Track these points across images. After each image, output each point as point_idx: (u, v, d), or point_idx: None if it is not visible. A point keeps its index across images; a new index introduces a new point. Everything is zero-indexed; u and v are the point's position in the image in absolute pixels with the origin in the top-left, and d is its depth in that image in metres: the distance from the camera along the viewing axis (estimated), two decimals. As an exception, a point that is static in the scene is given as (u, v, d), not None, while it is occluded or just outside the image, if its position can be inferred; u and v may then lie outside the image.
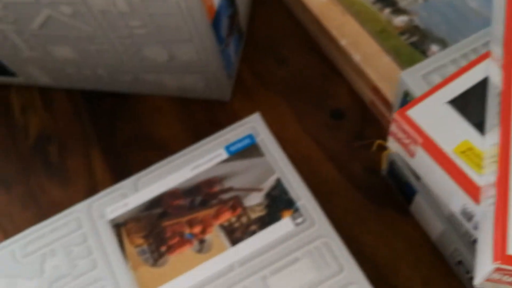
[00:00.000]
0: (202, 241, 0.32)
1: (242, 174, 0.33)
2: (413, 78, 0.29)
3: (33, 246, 0.33)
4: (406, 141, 0.26)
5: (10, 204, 0.43)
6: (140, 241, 0.32)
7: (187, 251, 0.32)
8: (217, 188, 0.33)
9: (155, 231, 0.33)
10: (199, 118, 0.44)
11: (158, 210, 0.33)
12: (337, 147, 0.41)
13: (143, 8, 0.35)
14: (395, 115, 0.26)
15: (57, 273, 0.32)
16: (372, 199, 0.39)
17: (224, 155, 0.34)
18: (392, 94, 0.38)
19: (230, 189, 0.33)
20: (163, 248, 0.32)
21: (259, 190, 0.33)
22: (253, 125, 0.34)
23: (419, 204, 0.36)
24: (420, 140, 0.25)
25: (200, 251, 0.32)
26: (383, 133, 0.41)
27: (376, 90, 0.39)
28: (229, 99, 0.44)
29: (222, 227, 0.32)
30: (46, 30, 0.39)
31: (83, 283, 0.32)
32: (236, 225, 0.32)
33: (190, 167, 0.34)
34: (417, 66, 0.29)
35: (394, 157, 0.36)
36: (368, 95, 0.41)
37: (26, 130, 0.46)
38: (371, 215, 0.39)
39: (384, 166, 0.31)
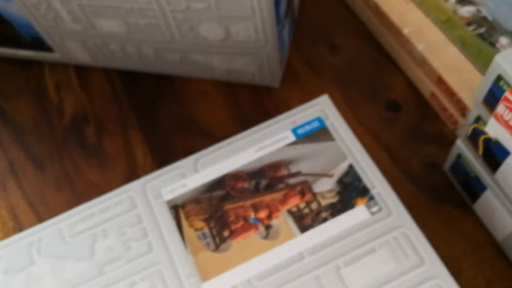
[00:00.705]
0: (268, 227, 0.30)
1: (311, 159, 0.31)
2: (509, 61, 0.27)
3: (82, 225, 0.31)
4: (516, 123, 0.24)
5: (43, 184, 0.40)
6: (200, 224, 0.30)
7: (252, 236, 0.30)
8: (284, 172, 0.31)
9: (217, 214, 0.30)
10: (246, 105, 0.42)
11: (219, 192, 0.31)
12: (393, 140, 0.39)
13: (210, -23, 0.33)
14: (508, 94, 0.24)
15: (109, 255, 0.30)
16: (430, 195, 0.37)
17: (291, 138, 0.32)
18: (458, 86, 0.36)
19: (298, 174, 0.31)
20: (226, 233, 0.30)
21: (329, 175, 0.31)
22: (322, 108, 0.32)
23: (488, 201, 0.34)
24: (536, 121, 0.23)
25: (266, 237, 0.29)
26: (443, 127, 0.39)
27: (440, 81, 0.37)
28: (278, 87, 0.42)
29: (290, 212, 0.30)
30: (96, 1, 0.37)
31: (137, 267, 0.29)
32: (306, 211, 0.30)
33: (254, 148, 0.32)
34: (512, 50, 0.28)
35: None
36: (428, 87, 0.39)
37: (61, 109, 0.44)
38: (429, 212, 0.37)
39: (481, 152, 0.29)
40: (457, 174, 0.36)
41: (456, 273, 0.35)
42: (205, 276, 0.29)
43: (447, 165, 0.37)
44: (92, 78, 0.45)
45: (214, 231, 0.30)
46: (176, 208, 0.31)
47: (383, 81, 0.42)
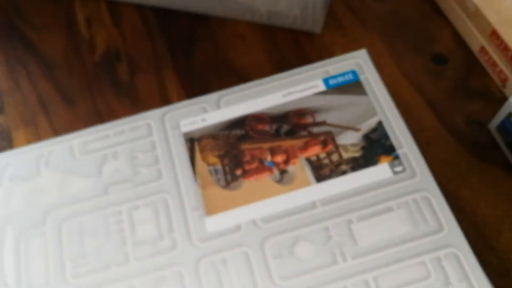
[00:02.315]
0: (283, 172, 0.28)
1: (339, 110, 0.30)
2: None
3: (94, 145, 0.30)
4: None
5: (74, 121, 0.40)
6: (214, 160, 0.29)
7: (265, 179, 0.28)
8: (308, 119, 0.30)
9: (232, 153, 0.29)
10: (285, 49, 0.41)
11: (239, 131, 0.30)
12: (438, 94, 0.38)
13: None
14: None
15: (116, 176, 0.29)
16: (474, 153, 0.36)
17: (322, 87, 0.30)
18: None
19: (323, 123, 0.29)
20: (239, 172, 0.28)
21: (356, 129, 0.29)
22: (358, 62, 0.31)
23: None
24: None
25: (280, 181, 0.28)
26: (489, 83, 0.38)
27: (494, 35, 0.36)
28: (319, 32, 0.41)
29: (309, 161, 0.28)
30: None
31: (143, 192, 0.28)
32: (325, 161, 0.28)
33: (281, 93, 0.30)
34: None
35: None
36: (478, 40, 0.37)
37: (93, 45, 0.43)
38: (472, 170, 0.35)
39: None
40: (505, 133, 0.34)
41: (495, 233, 0.33)
42: (210, 210, 0.27)
43: (494, 123, 0.35)
44: (125, 14, 0.44)
45: (227, 169, 0.29)
46: (192, 141, 0.30)
47: (429, 32, 0.40)
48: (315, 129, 0.29)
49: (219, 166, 0.29)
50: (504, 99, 0.36)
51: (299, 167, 0.28)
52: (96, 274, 0.27)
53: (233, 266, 0.26)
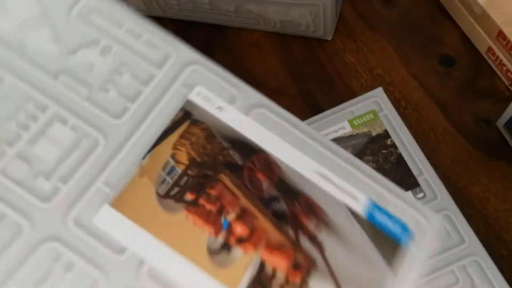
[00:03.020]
0: (227, 247, 0.20)
1: (344, 263, 0.21)
2: None
3: (100, 20, 0.22)
4: None
5: None
6: (183, 158, 0.21)
7: (203, 234, 0.20)
8: (310, 224, 0.21)
9: (206, 170, 0.21)
10: (298, 55, 0.41)
11: (236, 157, 0.21)
12: (447, 95, 0.39)
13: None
14: None
15: (82, 71, 0.21)
16: (483, 150, 0.37)
17: (361, 210, 0.21)
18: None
19: (318, 245, 0.21)
20: (190, 197, 0.20)
21: (341, 288, 0.20)
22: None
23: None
24: None
25: (212, 253, 0.20)
26: (497, 83, 0.38)
27: (501, 36, 0.36)
28: (331, 38, 0.41)
29: (260, 267, 0.20)
30: None
31: (87, 114, 0.21)
32: (274, 285, 0.20)
33: (317, 167, 0.22)
34: None
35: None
36: (485, 41, 0.38)
37: None
38: (481, 167, 0.36)
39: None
40: None
41: (505, 226, 0.34)
42: (119, 204, 0.20)
43: (502, 121, 0.35)
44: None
45: (183, 181, 0.21)
46: (186, 116, 0.21)
47: (436, 35, 0.41)
48: (305, 242, 0.21)
49: (180, 169, 0.21)
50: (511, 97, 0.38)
51: (244, 262, 0.20)
52: (-41, 142, 0.20)
53: (70, 279, 0.19)
